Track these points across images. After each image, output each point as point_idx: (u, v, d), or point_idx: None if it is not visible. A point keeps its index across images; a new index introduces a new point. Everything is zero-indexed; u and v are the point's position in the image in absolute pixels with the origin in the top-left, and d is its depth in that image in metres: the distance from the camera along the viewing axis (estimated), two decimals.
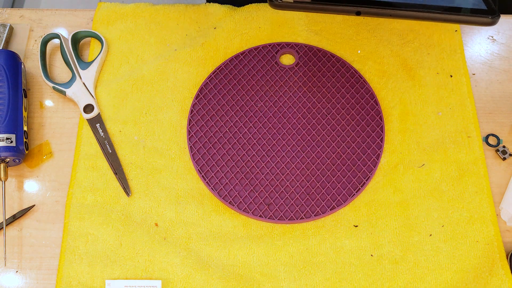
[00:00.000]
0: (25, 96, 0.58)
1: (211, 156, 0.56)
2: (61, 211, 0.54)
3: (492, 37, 0.64)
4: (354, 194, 0.54)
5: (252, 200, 0.53)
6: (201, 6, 0.65)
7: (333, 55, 0.61)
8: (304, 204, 0.53)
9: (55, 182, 0.56)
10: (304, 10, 0.34)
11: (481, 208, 0.53)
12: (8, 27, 0.63)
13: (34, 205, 0.55)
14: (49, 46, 0.63)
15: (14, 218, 0.54)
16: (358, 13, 0.33)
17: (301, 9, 0.34)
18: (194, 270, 0.51)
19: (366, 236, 0.52)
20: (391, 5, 0.33)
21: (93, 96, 0.59)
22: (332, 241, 0.52)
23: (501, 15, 0.65)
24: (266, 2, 0.65)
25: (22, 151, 0.55)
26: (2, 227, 0.53)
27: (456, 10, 0.34)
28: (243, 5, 0.65)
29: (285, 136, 0.57)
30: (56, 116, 0.60)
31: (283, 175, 0.55)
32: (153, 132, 0.58)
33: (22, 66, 0.59)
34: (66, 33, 0.65)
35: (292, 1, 0.33)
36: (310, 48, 0.62)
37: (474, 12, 0.35)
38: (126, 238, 0.53)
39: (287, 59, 0.62)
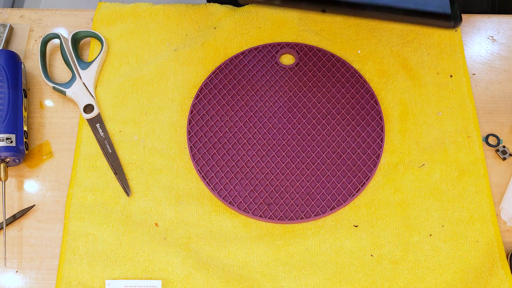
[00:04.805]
0: (25, 96, 0.58)
1: (211, 156, 0.56)
2: (61, 211, 0.54)
3: (492, 37, 0.64)
4: (354, 194, 0.54)
5: (252, 200, 0.53)
6: (201, 6, 0.65)
7: (333, 55, 0.61)
8: (304, 204, 0.53)
9: (55, 182, 0.56)
10: (271, 5, 0.35)
11: (481, 208, 0.53)
12: (8, 27, 0.63)
13: (34, 205, 0.55)
14: (49, 46, 0.63)
15: (14, 218, 0.54)
16: (323, 11, 0.34)
17: (269, 4, 0.34)
18: (194, 270, 0.51)
19: (366, 236, 0.52)
20: (356, 5, 0.33)
21: (93, 96, 0.59)
22: (332, 241, 0.52)
23: (501, 15, 0.65)
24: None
25: (22, 151, 0.55)
26: (2, 227, 0.53)
27: (420, 14, 0.35)
28: (243, 5, 0.65)
29: (285, 136, 0.57)
30: (56, 116, 0.60)
31: (283, 175, 0.55)
32: (153, 132, 0.58)
33: (22, 66, 0.59)
34: (66, 33, 0.65)
35: None
36: (310, 48, 0.62)
37: (438, 16, 0.35)
38: (126, 238, 0.53)
39: (287, 59, 0.62)
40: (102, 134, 0.57)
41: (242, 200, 0.54)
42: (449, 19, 0.35)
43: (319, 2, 0.33)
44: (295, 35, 0.63)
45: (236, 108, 0.58)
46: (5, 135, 0.54)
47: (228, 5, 0.65)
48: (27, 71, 0.62)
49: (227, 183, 0.54)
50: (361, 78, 0.60)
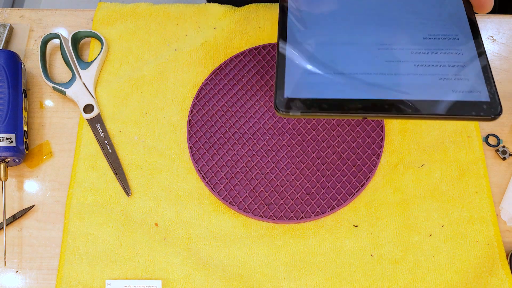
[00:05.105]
0: (25, 96, 0.58)
1: (211, 156, 0.56)
2: (61, 211, 0.54)
3: (492, 37, 0.64)
4: (354, 194, 0.54)
5: (252, 200, 0.53)
6: (201, 6, 0.65)
7: None
8: (304, 204, 0.53)
9: (55, 182, 0.56)
10: (311, 117, 0.36)
11: (481, 208, 0.53)
12: (8, 27, 0.63)
13: (34, 205, 0.55)
14: (49, 46, 0.63)
15: (14, 218, 0.54)
16: (364, 118, 0.35)
17: (309, 117, 0.36)
18: (194, 270, 0.51)
19: (366, 236, 0.52)
20: (393, 109, 0.34)
21: (93, 96, 0.59)
22: (332, 241, 0.52)
23: (501, 15, 0.65)
24: (266, 2, 0.65)
25: (22, 151, 0.55)
26: (2, 227, 0.53)
27: (459, 110, 0.35)
28: (243, 5, 0.65)
29: (285, 136, 0.57)
30: (56, 116, 0.60)
31: (283, 175, 0.55)
32: (153, 132, 0.58)
33: (22, 66, 0.59)
34: (66, 33, 0.65)
35: (300, 113, 0.35)
36: None
37: (475, 106, 0.35)
38: (126, 238, 0.53)
39: None
40: (102, 134, 0.57)
41: (242, 200, 0.54)
42: (487, 112, 0.35)
43: (359, 111, 0.34)
44: None
45: (236, 108, 0.58)
46: (5, 135, 0.54)
47: (228, 5, 0.65)
48: (27, 71, 0.62)
49: (227, 183, 0.54)
50: None
